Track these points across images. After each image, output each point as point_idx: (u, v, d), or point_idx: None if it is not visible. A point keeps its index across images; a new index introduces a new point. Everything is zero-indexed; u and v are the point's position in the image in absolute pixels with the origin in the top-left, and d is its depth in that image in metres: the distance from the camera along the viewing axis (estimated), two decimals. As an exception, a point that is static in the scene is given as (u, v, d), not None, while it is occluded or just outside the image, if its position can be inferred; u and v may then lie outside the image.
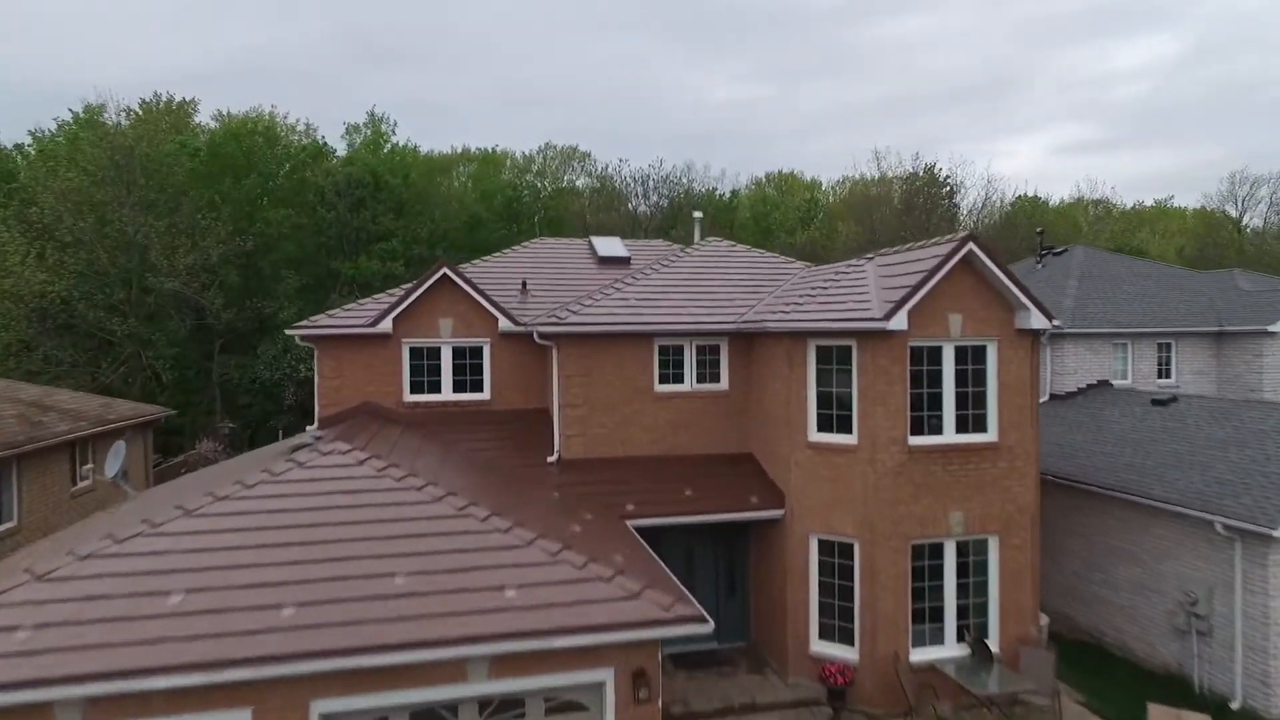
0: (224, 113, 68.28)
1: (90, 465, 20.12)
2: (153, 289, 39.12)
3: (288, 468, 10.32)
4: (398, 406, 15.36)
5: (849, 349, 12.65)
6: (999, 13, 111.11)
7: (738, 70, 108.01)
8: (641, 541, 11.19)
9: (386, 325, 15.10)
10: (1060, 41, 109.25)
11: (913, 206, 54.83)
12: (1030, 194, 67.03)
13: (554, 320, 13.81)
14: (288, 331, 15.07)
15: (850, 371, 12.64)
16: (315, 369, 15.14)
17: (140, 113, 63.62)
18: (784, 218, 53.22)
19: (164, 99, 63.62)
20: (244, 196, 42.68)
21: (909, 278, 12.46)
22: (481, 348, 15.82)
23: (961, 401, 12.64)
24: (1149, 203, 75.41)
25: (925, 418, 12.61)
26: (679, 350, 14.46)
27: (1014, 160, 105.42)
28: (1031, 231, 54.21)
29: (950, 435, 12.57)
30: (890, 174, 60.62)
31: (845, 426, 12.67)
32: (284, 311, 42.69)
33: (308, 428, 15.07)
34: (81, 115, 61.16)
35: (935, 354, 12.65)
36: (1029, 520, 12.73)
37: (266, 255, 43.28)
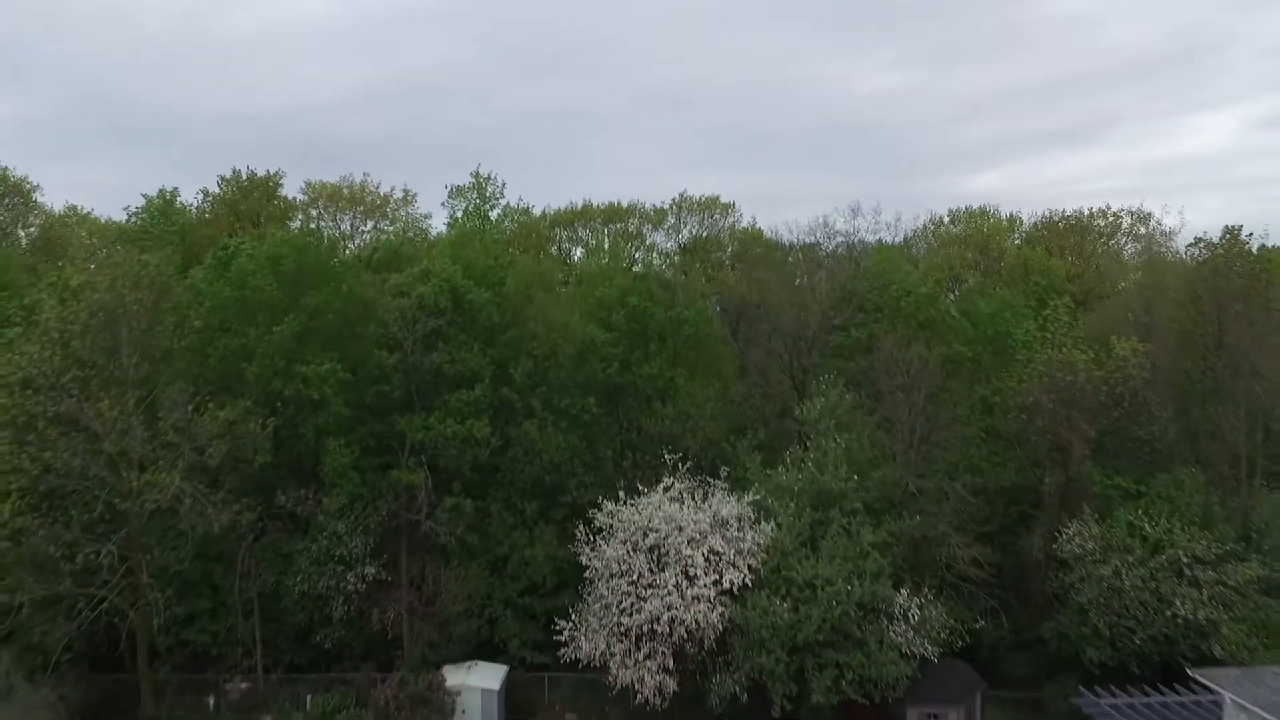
0: (312, 183, 59.33)
1: None
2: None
3: None
4: None
5: None
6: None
7: (886, 58, 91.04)
8: None
9: None
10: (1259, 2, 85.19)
11: (1212, 295, 37.30)
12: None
13: None
14: None
15: None
16: None
17: (221, 190, 55.49)
18: (1024, 334, 37.07)
19: (246, 174, 55.38)
20: (278, 346, 31.84)
21: None
22: None
23: None
24: None
25: None
26: None
27: (1203, 138, 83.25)
28: None
29: None
30: (1168, 245, 42.95)
31: None
32: (331, 502, 31.82)
33: None
34: (156, 200, 53.26)
35: None
36: None
37: (309, 418, 32.40)
